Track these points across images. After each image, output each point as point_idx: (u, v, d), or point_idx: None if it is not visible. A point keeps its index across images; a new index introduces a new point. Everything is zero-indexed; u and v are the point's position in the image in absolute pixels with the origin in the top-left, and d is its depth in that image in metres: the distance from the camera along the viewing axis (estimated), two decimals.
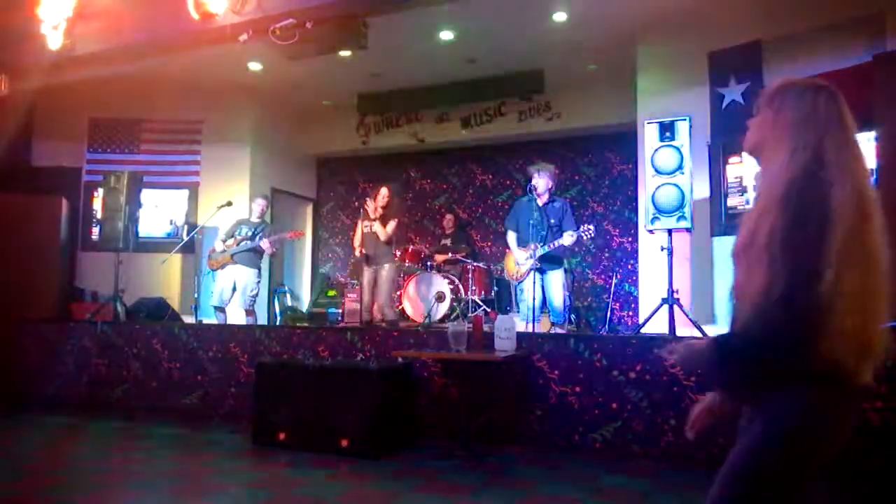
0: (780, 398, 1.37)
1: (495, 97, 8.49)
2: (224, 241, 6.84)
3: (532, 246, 5.50)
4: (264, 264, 7.28)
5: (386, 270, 6.36)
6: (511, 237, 5.89)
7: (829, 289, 1.29)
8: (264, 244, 6.62)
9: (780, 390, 1.37)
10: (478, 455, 4.26)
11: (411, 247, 8.01)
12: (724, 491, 1.40)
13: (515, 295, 6.17)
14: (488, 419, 4.55)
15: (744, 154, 5.33)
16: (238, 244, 6.68)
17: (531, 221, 5.50)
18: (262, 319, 7.46)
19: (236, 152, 8.67)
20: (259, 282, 6.86)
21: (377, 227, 6.36)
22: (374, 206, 6.44)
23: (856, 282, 1.32)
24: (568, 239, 5.51)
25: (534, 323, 5.38)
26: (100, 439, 4.94)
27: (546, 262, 5.63)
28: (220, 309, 6.68)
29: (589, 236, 5.68)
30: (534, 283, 5.46)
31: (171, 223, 8.50)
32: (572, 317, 6.88)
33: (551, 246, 5.55)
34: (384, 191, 6.47)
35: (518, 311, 5.95)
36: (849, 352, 1.32)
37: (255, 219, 6.91)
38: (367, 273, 6.40)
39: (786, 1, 5.81)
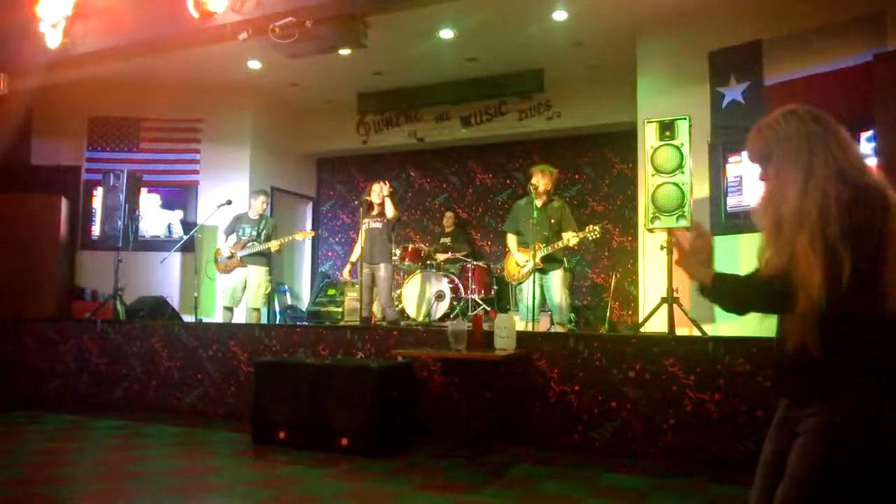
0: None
1: (495, 96, 8.47)
2: (226, 240, 6.81)
3: (534, 247, 5.46)
4: None
5: (383, 270, 6.35)
6: (511, 240, 5.87)
7: None
8: (273, 246, 6.64)
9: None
10: (477, 454, 4.27)
11: (411, 246, 7.99)
12: None
13: (514, 295, 6.15)
14: (488, 418, 4.55)
15: (743, 154, 5.36)
16: (244, 246, 6.66)
17: (531, 222, 5.47)
18: (263, 318, 7.46)
19: (236, 151, 8.66)
20: (270, 279, 6.87)
21: (377, 221, 6.34)
22: (378, 192, 6.42)
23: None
24: (572, 240, 5.50)
25: (533, 322, 5.37)
26: (99, 438, 4.94)
27: (547, 262, 5.61)
28: (230, 309, 6.69)
29: (594, 237, 5.61)
30: (533, 282, 5.44)
31: (170, 222, 8.50)
32: (572, 316, 6.87)
33: (555, 247, 5.54)
34: (376, 187, 6.46)
35: (518, 311, 5.93)
36: None
37: (253, 215, 6.89)
38: (365, 272, 6.38)
39: (786, 0, 5.81)
